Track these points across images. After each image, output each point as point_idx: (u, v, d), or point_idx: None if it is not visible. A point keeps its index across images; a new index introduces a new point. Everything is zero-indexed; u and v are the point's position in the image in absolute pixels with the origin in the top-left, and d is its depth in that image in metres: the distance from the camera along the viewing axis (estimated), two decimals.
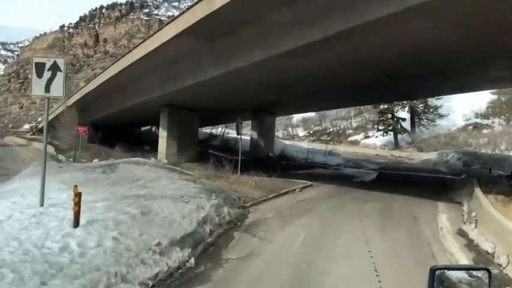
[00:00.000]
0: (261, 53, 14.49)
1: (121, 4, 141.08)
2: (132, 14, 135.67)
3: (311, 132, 56.93)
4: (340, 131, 53.48)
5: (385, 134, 43.40)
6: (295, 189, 14.42)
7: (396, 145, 42.26)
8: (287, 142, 44.10)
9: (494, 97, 40.89)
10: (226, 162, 16.80)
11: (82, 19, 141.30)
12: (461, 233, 8.54)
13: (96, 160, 19.25)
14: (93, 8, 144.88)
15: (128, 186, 9.13)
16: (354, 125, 53.41)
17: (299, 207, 11.32)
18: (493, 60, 14.88)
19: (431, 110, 41.54)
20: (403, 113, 42.77)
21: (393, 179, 20.33)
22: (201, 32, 15.49)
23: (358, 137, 49.84)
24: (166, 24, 18.14)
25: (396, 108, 41.82)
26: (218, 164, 17.26)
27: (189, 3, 16.51)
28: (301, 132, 59.02)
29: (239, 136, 18.26)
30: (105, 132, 35.29)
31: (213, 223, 7.86)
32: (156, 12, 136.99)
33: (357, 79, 17.40)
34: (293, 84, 18.88)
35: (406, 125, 42.74)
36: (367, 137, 48.65)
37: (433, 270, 1.98)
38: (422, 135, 41.16)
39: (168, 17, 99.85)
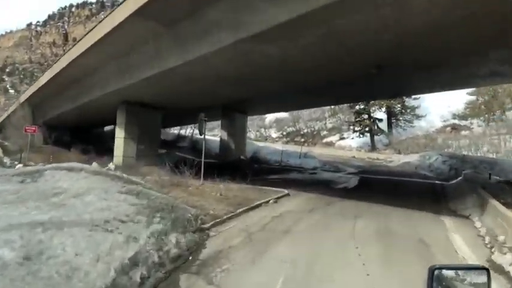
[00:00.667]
0: (229, 35, 11.96)
1: (91, 3, 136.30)
2: (102, 13, 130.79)
3: (284, 133, 54.88)
4: (315, 132, 51.66)
5: (361, 136, 41.72)
6: (269, 201, 11.93)
7: (373, 147, 40.60)
8: (260, 144, 41.82)
9: (472, 98, 39.97)
10: (187, 167, 14.13)
11: (50, 17, 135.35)
12: (496, 268, 6.26)
13: (20, 165, 16.22)
14: (63, 6, 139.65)
15: (34, 205, 6.40)
16: (329, 126, 51.70)
17: (274, 227, 8.81)
18: (491, 51, 12.95)
19: (408, 110, 40.09)
20: (380, 114, 41.19)
21: (378, 185, 18.20)
22: (159, 12, 12.85)
23: (333, 139, 48.13)
24: (119, 4, 15.40)
25: (373, 109, 40.20)
26: (176, 169, 14.62)
27: None
28: (274, 134, 56.91)
29: (203, 136, 15.45)
30: (61, 132, 32.29)
31: (148, 263, 5.28)
32: None
33: (341, 71, 15.12)
34: (266, 78, 16.44)
35: (383, 125, 41.18)
36: (342, 138, 46.98)
37: (432, 270, 1.94)
38: (400, 137, 39.63)
39: None
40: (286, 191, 13.71)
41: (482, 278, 2.00)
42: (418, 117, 39.71)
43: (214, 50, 12.75)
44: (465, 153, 29.67)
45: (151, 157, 22.15)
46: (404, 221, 9.82)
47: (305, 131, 52.66)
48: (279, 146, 40.13)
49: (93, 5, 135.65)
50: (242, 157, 30.07)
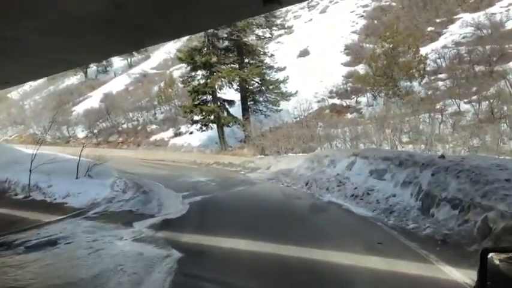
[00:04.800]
0: None
1: None
2: None
3: (95, 131, 37.20)
4: (139, 127, 35.41)
5: (204, 128, 26.98)
6: None
7: (222, 145, 26.28)
8: (33, 152, 23.28)
9: (351, 69, 29.06)
10: None
11: None
12: None
13: None
14: None
15: None
16: (160, 117, 35.98)
17: None
18: None
19: (271, 86, 26.73)
20: (231, 93, 26.99)
21: None
22: None
23: (165, 135, 32.79)
24: None
25: (219, 83, 25.51)
26: None
27: None
28: (81, 133, 38.62)
29: None
30: None
31: None
32: None
33: None
34: None
35: (236, 111, 27.05)
36: (178, 134, 31.98)
37: (484, 252, 1.68)
38: (262, 127, 25.92)
39: None
40: None
41: None
42: (286, 96, 26.56)
43: None
44: (370, 145, 17.65)
45: None
46: None
47: (124, 125, 35.99)
48: (76, 154, 22.76)
49: None
50: None
